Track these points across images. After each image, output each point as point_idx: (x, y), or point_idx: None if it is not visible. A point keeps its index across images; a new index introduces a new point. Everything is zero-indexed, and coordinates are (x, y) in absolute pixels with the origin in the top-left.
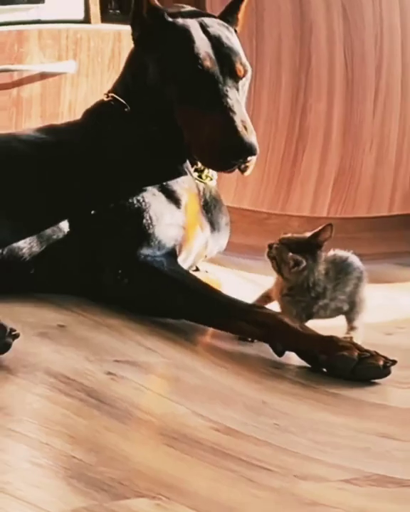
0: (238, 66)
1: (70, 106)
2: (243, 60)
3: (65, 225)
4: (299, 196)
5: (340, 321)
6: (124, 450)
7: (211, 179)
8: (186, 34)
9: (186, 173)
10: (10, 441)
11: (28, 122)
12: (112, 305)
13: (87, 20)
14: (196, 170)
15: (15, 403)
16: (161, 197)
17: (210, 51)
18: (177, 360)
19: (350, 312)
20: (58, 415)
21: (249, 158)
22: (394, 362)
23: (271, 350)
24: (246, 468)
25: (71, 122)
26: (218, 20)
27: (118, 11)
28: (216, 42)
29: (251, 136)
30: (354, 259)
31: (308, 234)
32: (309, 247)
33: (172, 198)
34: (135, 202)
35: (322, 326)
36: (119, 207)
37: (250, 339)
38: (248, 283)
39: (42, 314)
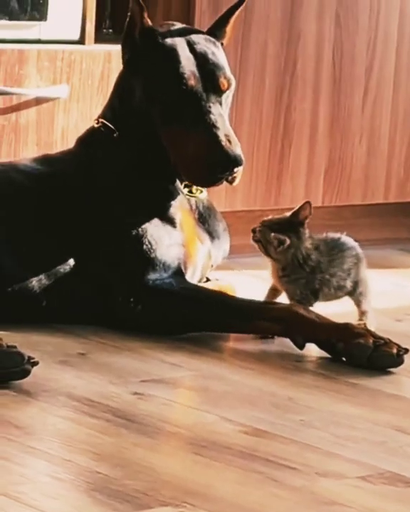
0: (222, 80)
1: (63, 133)
2: (227, 74)
3: (69, 257)
4: (290, 189)
5: (352, 307)
6: (150, 463)
7: (202, 192)
8: (172, 54)
9: (177, 193)
10: (29, 457)
11: (25, 150)
12: (131, 330)
13: (82, 40)
14: (185, 186)
15: (36, 424)
16: (155, 220)
17: (195, 69)
18: (203, 370)
19: (354, 293)
20: (82, 435)
21: (236, 170)
22: (407, 350)
23: (292, 344)
24: (272, 469)
25: (65, 151)
26: (206, 36)
27: (111, 31)
28: (201, 59)
29: (236, 148)
30: (348, 239)
31: (288, 214)
32: (291, 226)
33: (166, 219)
34: (132, 229)
35: (334, 312)
36: (117, 235)
37: (270, 336)
38: (260, 280)
39: (60, 343)
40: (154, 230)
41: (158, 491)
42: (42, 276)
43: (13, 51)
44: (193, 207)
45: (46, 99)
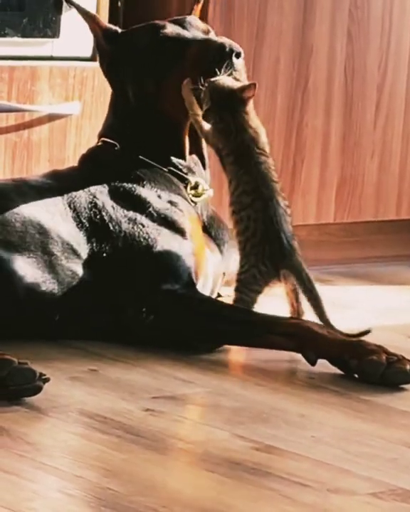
0: (197, 23)
1: (75, 150)
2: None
3: (80, 271)
4: (302, 206)
5: (363, 322)
6: (162, 479)
7: (205, 192)
8: (139, 31)
9: (184, 202)
10: (41, 473)
11: (38, 167)
12: (142, 345)
13: (94, 57)
14: (191, 188)
15: (47, 440)
16: (165, 230)
17: (170, 23)
18: (215, 386)
19: None
20: (93, 451)
21: (235, 61)
22: None
23: (304, 360)
24: (284, 485)
25: (71, 168)
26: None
27: None
28: (180, 18)
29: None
30: None
31: (235, 86)
32: (231, 102)
33: (175, 228)
34: (142, 240)
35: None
36: (127, 247)
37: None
38: (272, 296)
39: (72, 360)
40: (163, 240)
41: (169, 508)
42: (54, 291)
43: (26, 68)
44: (201, 216)
45: (58, 116)
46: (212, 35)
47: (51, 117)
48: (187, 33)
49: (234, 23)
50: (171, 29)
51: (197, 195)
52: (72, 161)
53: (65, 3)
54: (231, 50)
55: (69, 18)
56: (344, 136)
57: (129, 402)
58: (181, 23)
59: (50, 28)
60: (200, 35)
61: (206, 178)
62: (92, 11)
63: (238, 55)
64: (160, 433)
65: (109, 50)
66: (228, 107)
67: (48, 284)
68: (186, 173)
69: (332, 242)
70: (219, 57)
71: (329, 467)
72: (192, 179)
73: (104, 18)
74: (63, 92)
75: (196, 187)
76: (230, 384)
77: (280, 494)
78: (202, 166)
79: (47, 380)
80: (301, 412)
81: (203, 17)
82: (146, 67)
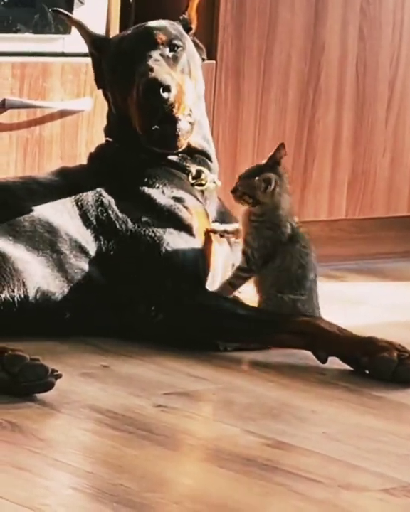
0: (159, 36)
1: (87, 146)
2: (166, 31)
3: (90, 269)
4: (314, 202)
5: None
6: (174, 475)
7: (205, 182)
8: (115, 40)
9: (188, 192)
10: (53, 470)
11: (49, 163)
12: (153, 342)
13: None
14: (193, 178)
15: (59, 436)
16: (170, 228)
17: (130, 36)
18: (227, 383)
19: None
20: (105, 447)
21: (165, 95)
22: None
23: (314, 357)
24: (295, 481)
25: (80, 166)
26: (167, 20)
27: None
28: (142, 28)
29: (160, 74)
30: None
31: (264, 161)
32: (271, 168)
33: (181, 225)
34: (148, 239)
35: (354, 325)
36: (134, 246)
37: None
38: None
39: (83, 356)
40: (170, 239)
41: (181, 504)
42: (64, 288)
43: (37, 64)
44: (208, 210)
45: (70, 112)
46: (181, 42)
47: (63, 113)
48: (140, 49)
49: (246, 20)
50: (128, 45)
51: (200, 184)
52: (83, 157)
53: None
54: (158, 86)
55: (80, 14)
56: (355, 133)
57: (140, 399)
58: (145, 34)
59: (61, 24)
60: (151, 53)
61: (213, 170)
62: (104, 6)
63: (166, 89)
64: (172, 429)
65: (97, 57)
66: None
67: (57, 282)
68: (185, 163)
69: (344, 238)
70: (147, 93)
71: (340, 463)
72: (193, 168)
73: (116, 14)
74: (75, 88)
75: (198, 176)
76: (242, 380)
77: (290, 490)
78: (207, 158)
79: (59, 376)
80: (312, 408)
81: (213, 12)
82: (113, 80)
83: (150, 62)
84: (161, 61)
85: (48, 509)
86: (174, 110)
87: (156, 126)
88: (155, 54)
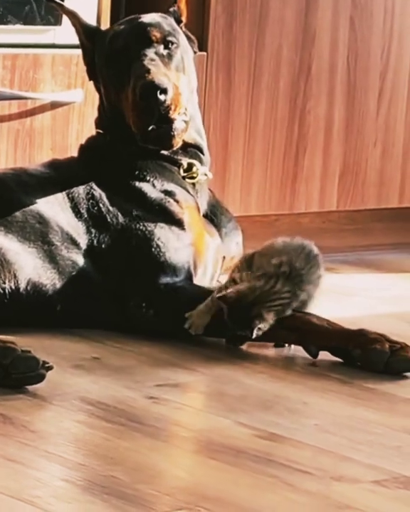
0: (153, 33)
1: (78, 138)
2: (161, 28)
3: (81, 261)
4: (305, 194)
5: (362, 311)
6: (166, 467)
7: (197, 175)
8: (108, 33)
9: (179, 185)
10: (44, 462)
11: (40, 155)
12: (144, 333)
13: None
14: (184, 171)
15: (50, 428)
16: (162, 222)
17: (124, 32)
18: (219, 374)
19: None
20: (96, 439)
21: (161, 98)
22: None
23: None
24: (287, 473)
25: (70, 158)
26: (158, 13)
27: None
28: (135, 24)
29: (157, 77)
30: None
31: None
32: None
33: (172, 219)
34: (139, 233)
35: (343, 318)
36: (125, 240)
37: (287, 345)
38: None
39: (75, 348)
40: (161, 232)
41: (173, 496)
42: (56, 281)
43: (28, 56)
44: (199, 203)
45: (61, 104)
46: (175, 38)
47: (54, 105)
48: (135, 47)
49: (237, 11)
50: (122, 42)
51: (192, 177)
52: (74, 148)
53: None
54: (154, 89)
55: (71, 5)
56: (346, 124)
57: (132, 390)
58: (140, 31)
59: (52, 16)
60: (146, 52)
61: (205, 162)
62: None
63: (163, 92)
64: (163, 421)
65: (89, 48)
66: None
67: (48, 273)
68: (176, 156)
69: (335, 230)
70: (144, 95)
71: (332, 455)
72: (184, 161)
73: (107, 3)
74: (66, 79)
75: (189, 169)
76: (233, 372)
77: (282, 482)
78: (200, 151)
79: (50, 368)
80: (304, 399)
81: (204, 3)
82: (106, 75)
83: (146, 63)
84: (157, 61)
85: (39, 501)
86: (171, 112)
87: (152, 126)
88: (150, 53)
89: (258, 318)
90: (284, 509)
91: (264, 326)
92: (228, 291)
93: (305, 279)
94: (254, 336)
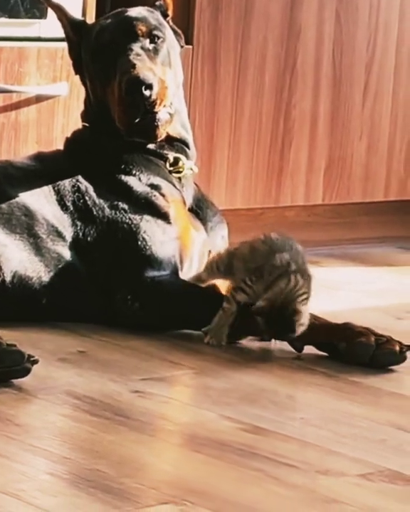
0: (139, 27)
1: (63, 131)
2: (147, 22)
3: (66, 254)
4: (291, 187)
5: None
6: (150, 460)
7: (183, 169)
8: (95, 27)
9: (165, 179)
10: (29, 455)
11: (25, 148)
12: (130, 327)
13: None
14: (170, 165)
15: (36, 422)
16: (148, 216)
17: (110, 26)
18: (204, 368)
19: None
20: (82, 432)
21: (146, 93)
22: (409, 347)
23: None
24: (272, 467)
25: (56, 150)
26: (145, 7)
27: None
28: (122, 18)
29: (142, 72)
30: None
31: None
32: None
33: (158, 213)
34: (125, 227)
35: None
36: (111, 234)
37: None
38: None
39: (60, 341)
40: (146, 226)
41: (158, 489)
42: (41, 274)
43: (13, 49)
44: (185, 197)
45: (46, 97)
46: (161, 32)
47: (39, 98)
48: (121, 41)
49: (222, 4)
50: (108, 36)
51: (178, 171)
52: (60, 142)
53: None
54: (140, 84)
55: None
56: (332, 118)
57: (117, 384)
58: (126, 25)
59: (37, 9)
60: (131, 46)
61: (191, 157)
62: None
63: (148, 87)
64: (148, 414)
65: (76, 42)
66: None
67: (34, 266)
68: (162, 151)
69: (320, 224)
70: (129, 90)
71: (317, 448)
72: (170, 155)
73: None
74: (51, 72)
75: (176, 163)
76: (219, 366)
77: (267, 475)
78: (186, 145)
79: (36, 361)
80: (289, 393)
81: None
82: (92, 69)
83: (132, 57)
84: (143, 55)
85: (24, 494)
86: (156, 107)
87: (137, 119)
88: (136, 47)
89: (295, 315)
90: (269, 503)
91: (304, 320)
92: (258, 303)
93: (307, 272)
94: (299, 332)
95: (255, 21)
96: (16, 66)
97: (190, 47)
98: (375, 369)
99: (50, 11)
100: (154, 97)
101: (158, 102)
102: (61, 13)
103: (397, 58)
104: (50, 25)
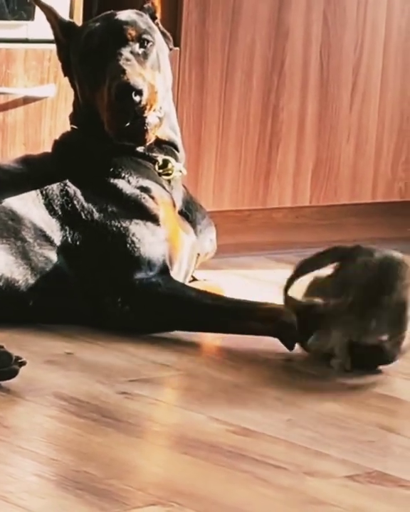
0: (129, 31)
1: (51, 133)
2: (137, 26)
3: (54, 258)
4: (278, 189)
5: None
6: (138, 462)
7: (172, 172)
8: (84, 30)
9: (154, 182)
10: (16, 457)
11: (13, 150)
12: (117, 328)
13: None
14: (159, 167)
15: (23, 423)
16: (137, 218)
17: (100, 30)
18: (192, 370)
19: None
20: (69, 434)
21: (136, 99)
22: None
23: (280, 344)
24: (260, 468)
25: (43, 153)
26: (133, 10)
27: None
28: (112, 22)
29: (132, 77)
30: None
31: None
32: None
33: (147, 215)
34: (114, 229)
35: None
36: (100, 236)
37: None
38: (250, 280)
39: (47, 343)
40: (135, 228)
41: (145, 491)
42: (28, 276)
43: (0, 51)
44: (174, 200)
45: (34, 99)
46: (151, 36)
47: (26, 100)
48: (111, 46)
49: (210, 6)
50: (98, 40)
51: (167, 173)
52: (47, 143)
53: None
54: (130, 90)
55: (44, 0)
56: (319, 119)
57: (105, 386)
58: (116, 29)
59: (24, 11)
60: (121, 51)
61: (180, 159)
62: None
63: (138, 93)
64: (136, 416)
65: (65, 44)
66: None
67: (21, 269)
68: (151, 153)
69: (308, 225)
70: (119, 96)
71: (305, 450)
72: (160, 158)
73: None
74: (38, 74)
75: (165, 165)
76: (207, 367)
77: (255, 477)
78: (175, 148)
79: (23, 363)
80: (277, 395)
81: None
82: (81, 72)
83: (121, 63)
84: (133, 60)
85: (11, 496)
86: (146, 112)
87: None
88: (126, 52)
89: None
90: (257, 504)
91: None
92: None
93: None
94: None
95: (243, 23)
96: (3, 68)
97: (177, 49)
98: (363, 370)
99: (37, 13)
100: (143, 102)
101: (148, 107)
102: (51, 14)
103: (384, 60)
104: (38, 27)
